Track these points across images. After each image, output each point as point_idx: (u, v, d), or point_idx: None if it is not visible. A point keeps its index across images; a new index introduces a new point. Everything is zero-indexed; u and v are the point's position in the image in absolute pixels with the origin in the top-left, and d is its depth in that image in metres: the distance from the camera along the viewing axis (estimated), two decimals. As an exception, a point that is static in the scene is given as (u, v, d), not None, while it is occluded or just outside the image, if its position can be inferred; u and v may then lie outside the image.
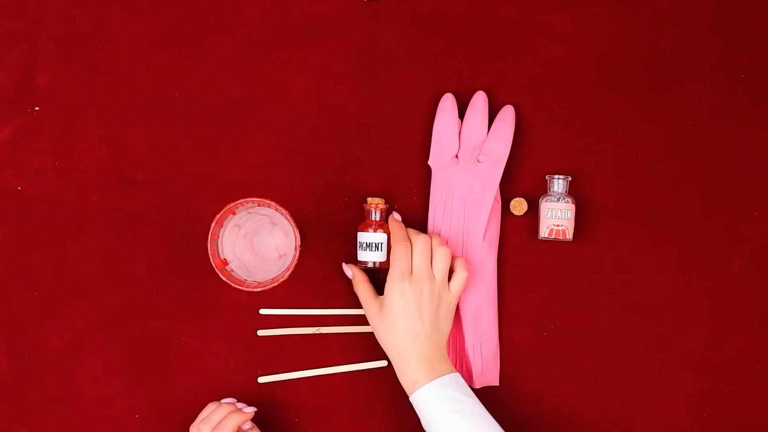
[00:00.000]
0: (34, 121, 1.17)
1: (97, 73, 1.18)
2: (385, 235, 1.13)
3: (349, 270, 1.14)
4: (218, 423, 1.06)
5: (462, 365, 1.15)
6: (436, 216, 1.15)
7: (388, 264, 1.11)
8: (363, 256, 1.13)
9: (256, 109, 1.18)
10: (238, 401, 1.12)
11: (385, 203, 1.14)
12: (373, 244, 1.12)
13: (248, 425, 1.09)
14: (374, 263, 1.13)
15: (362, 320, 1.15)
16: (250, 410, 1.08)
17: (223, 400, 1.10)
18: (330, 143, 1.18)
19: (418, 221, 1.17)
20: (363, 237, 1.13)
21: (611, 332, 1.17)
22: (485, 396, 1.16)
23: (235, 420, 1.06)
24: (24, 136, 1.17)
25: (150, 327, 1.16)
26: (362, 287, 1.11)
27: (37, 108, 1.17)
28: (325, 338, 1.16)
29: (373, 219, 1.14)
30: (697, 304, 1.17)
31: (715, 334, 1.17)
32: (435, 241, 1.10)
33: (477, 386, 1.15)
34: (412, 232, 1.11)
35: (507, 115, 1.15)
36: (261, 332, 1.16)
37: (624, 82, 1.18)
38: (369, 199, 1.14)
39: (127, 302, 1.16)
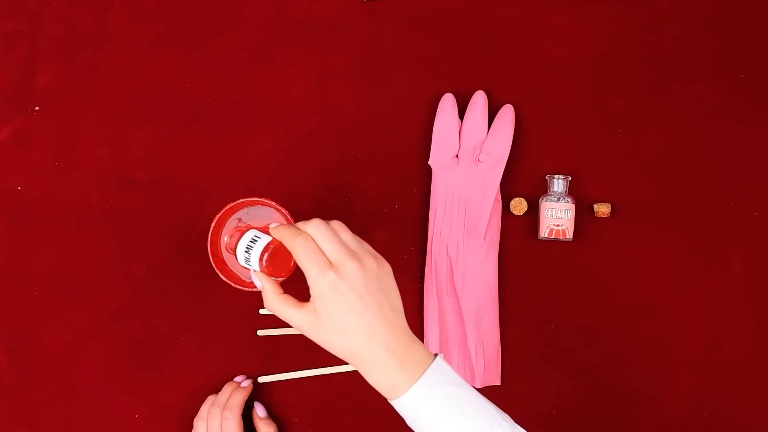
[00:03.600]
0: (34, 121, 1.17)
1: (97, 73, 1.18)
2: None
3: (257, 280, 0.95)
4: (226, 402, 1.12)
5: (464, 365, 1.15)
6: (436, 216, 1.15)
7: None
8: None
9: (256, 109, 1.18)
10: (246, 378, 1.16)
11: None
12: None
13: (245, 382, 1.15)
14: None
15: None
16: (247, 383, 1.15)
17: (235, 379, 1.17)
18: (330, 143, 1.18)
19: (418, 221, 1.17)
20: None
21: (611, 332, 1.17)
22: (485, 396, 1.16)
23: (240, 395, 1.13)
24: (24, 136, 1.17)
25: (150, 327, 1.16)
26: (277, 300, 0.92)
27: (37, 108, 1.17)
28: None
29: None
30: (697, 304, 1.17)
31: (715, 334, 1.17)
32: (318, 220, 0.93)
33: (479, 386, 1.15)
34: (295, 226, 0.93)
35: (507, 115, 1.16)
36: (261, 332, 1.16)
37: (624, 82, 1.18)
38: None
39: (127, 302, 1.16)
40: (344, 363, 1.15)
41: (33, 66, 1.17)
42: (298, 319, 0.90)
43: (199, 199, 1.17)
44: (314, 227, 0.91)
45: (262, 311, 1.16)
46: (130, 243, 1.16)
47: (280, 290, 0.92)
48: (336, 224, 0.92)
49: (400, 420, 1.16)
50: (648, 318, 1.17)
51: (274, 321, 1.16)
